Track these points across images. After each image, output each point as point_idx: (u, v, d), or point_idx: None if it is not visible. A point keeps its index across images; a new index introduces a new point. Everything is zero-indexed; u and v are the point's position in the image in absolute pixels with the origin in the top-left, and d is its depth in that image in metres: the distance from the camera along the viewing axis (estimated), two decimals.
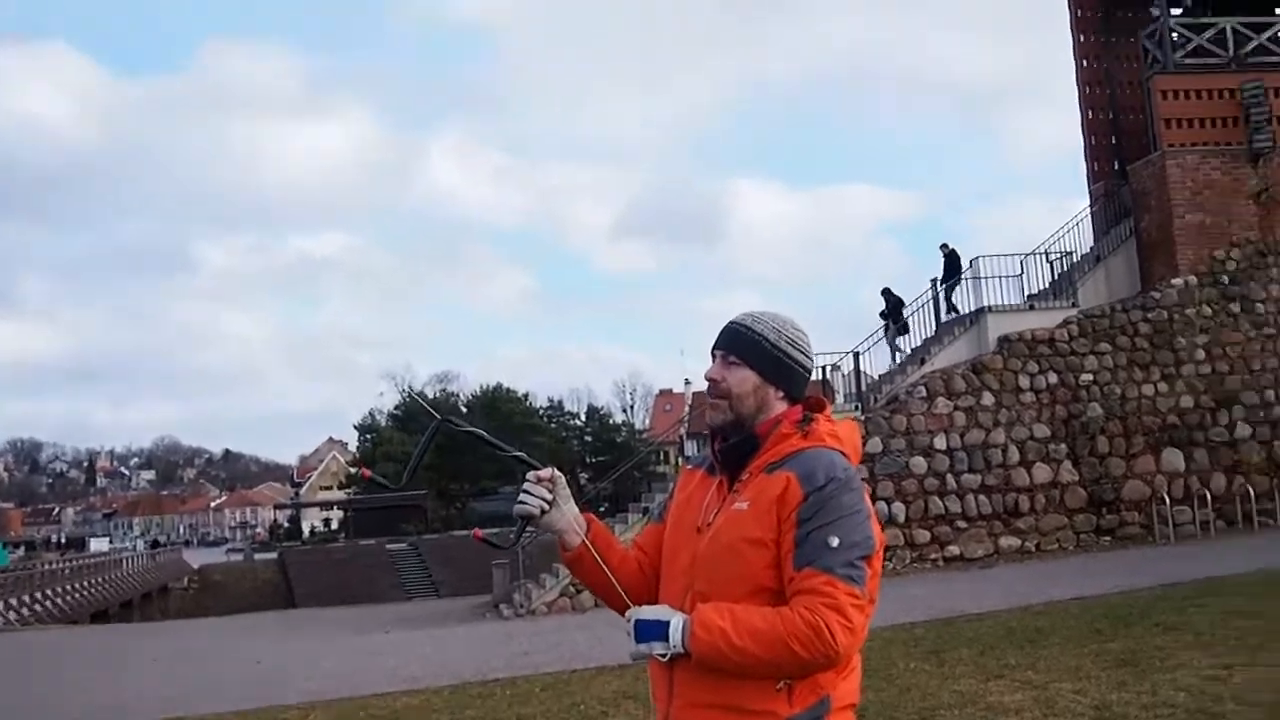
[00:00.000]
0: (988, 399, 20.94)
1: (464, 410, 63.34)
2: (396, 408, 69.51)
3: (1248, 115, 21.93)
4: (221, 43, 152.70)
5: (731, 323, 2.39)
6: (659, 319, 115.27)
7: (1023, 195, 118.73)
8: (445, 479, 59.60)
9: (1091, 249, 23.41)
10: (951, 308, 23.30)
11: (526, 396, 71.22)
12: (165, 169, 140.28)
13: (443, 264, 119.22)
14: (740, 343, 2.35)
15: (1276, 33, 22.92)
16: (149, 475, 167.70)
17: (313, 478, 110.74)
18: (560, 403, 76.23)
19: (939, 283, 23.44)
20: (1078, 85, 24.36)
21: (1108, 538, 20.61)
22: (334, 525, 71.22)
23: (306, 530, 73.91)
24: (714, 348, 2.38)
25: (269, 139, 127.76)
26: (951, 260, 23.49)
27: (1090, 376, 21.31)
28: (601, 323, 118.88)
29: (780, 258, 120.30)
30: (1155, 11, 22.94)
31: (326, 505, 78.16)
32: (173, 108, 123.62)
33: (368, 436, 70.54)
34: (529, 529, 2.48)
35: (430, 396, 68.92)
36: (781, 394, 2.34)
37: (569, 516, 2.40)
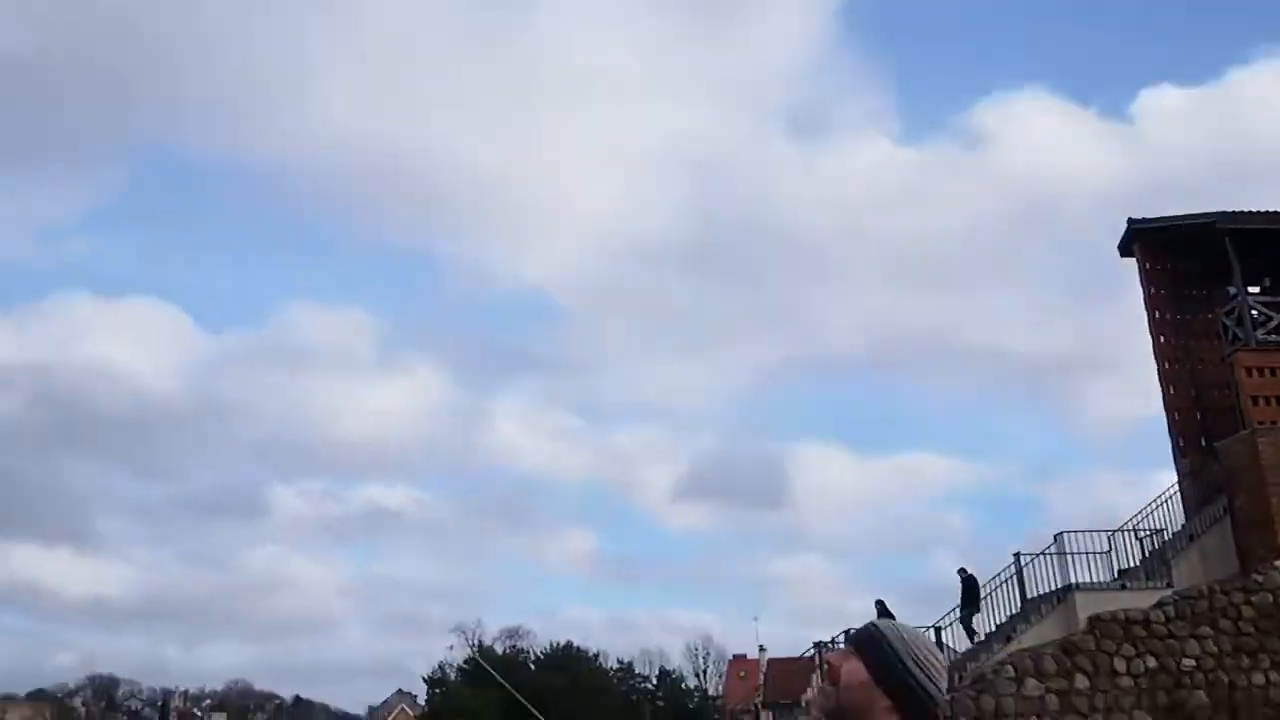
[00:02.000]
0: (1081, 682, 19.82)
1: (532, 669, 61.83)
2: (466, 662, 68.20)
3: None
4: (299, 305, 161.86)
5: (869, 623, 2.49)
6: (727, 581, 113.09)
7: (1097, 468, 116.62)
8: None
9: (1184, 527, 22.66)
10: (970, 634, 22.36)
11: (597, 656, 69.57)
12: (242, 420, 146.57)
13: (509, 520, 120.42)
14: (865, 641, 2.42)
15: None
16: (220, 717, 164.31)
17: None
18: (631, 664, 73.99)
19: (958, 609, 22.56)
20: (1156, 361, 24.25)
21: None
22: None
23: None
24: (846, 640, 2.58)
25: (341, 393, 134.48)
26: (970, 586, 22.61)
27: (1193, 662, 20.14)
28: (668, 583, 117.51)
29: (847, 522, 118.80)
30: (1232, 290, 23.09)
31: None
32: (252, 362, 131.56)
33: (437, 690, 68.92)
34: None
35: (499, 653, 67.57)
36: (889, 705, 2.34)
37: None
